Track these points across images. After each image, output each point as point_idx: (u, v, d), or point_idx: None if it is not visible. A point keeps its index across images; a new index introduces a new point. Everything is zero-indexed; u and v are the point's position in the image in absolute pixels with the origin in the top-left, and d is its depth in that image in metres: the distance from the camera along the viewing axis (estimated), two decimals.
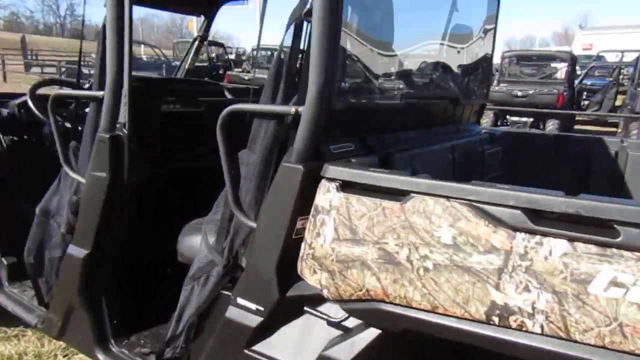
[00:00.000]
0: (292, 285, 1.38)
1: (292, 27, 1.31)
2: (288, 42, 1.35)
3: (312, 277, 1.29)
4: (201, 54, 4.43)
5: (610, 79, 12.77)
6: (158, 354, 1.72)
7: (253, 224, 1.41)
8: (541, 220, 0.99)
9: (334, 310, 1.32)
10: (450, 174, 1.82)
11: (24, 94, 2.33)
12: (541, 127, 9.79)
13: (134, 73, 1.73)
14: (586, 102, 12.76)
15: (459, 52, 2.15)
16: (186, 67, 3.05)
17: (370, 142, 1.53)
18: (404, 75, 1.90)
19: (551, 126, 9.64)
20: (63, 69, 18.02)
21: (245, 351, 1.44)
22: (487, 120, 9.42)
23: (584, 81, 12.17)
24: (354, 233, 1.19)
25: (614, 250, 0.92)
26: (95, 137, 1.75)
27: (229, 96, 2.50)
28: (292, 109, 1.31)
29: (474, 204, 1.06)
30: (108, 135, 1.70)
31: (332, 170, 1.25)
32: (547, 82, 10.11)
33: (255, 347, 1.44)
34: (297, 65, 1.38)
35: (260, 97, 1.40)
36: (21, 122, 2.37)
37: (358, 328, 1.29)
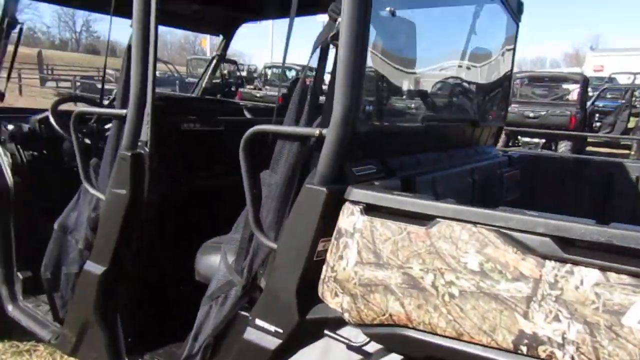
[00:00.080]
0: (312, 308, 1.36)
1: (317, 50, 1.32)
2: (313, 64, 1.36)
3: (333, 300, 1.27)
4: None
5: (623, 100, 12.74)
6: None
7: (273, 245, 1.40)
8: (571, 249, 0.98)
9: (354, 335, 1.30)
10: (470, 197, 1.81)
11: (45, 110, 2.37)
12: (553, 148, 9.76)
13: None
14: (598, 124, 12.73)
15: (478, 74, 2.16)
16: (203, 85, 3.09)
17: (391, 164, 1.52)
18: (425, 97, 1.91)
19: (563, 147, 9.62)
20: (78, 84, 18.32)
21: None
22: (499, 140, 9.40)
23: (595, 103, 12.15)
24: (377, 257, 1.18)
25: None
26: (117, 155, 1.76)
27: (248, 115, 2.52)
28: (317, 131, 1.31)
29: (502, 230, 1.05)
30: (130, 153, 1.71)
31: (356, 193, 1.24)
32: (559, 103, 10.11)
33: None
34: (322, 88, 1.38)
35: (284, 118, 1.41)
36: (41, 137, 2.40)
37: (379, 353, 1.27)
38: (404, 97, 1.81)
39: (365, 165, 1.42)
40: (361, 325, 1.24)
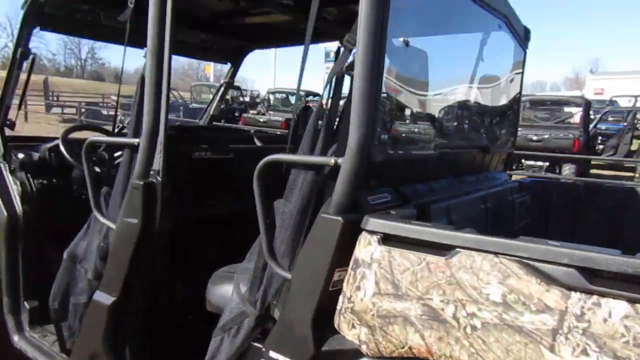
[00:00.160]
0: (328, 340, 1.33)
1: (333, 79, 1.33)
2: (327, 92, 1.36)
3: (350, 332, 1.25)
4: None
5: (625, 123, 12.79)
6: None
7: (288, 275, 1.38)
8: (597, 280, 0.96)
9: None
10: (483, 224, 1.79)
11: (55, 138, 2.38)
12: (557, 171, 9.76)
13: None
14: (601, 147, 12.75)
15: (488, 100, 2.17)
16: (211, 112, 3.11)
17: (404, 192, 1.51)
18: (437, 124, 1.91)
19: (567, 170, 9.62)
20: (83, 110, 18.49)
21: None
22: None
23: (597, 125, 12.20)
24: (396, 287, 1.16)
25: None
26: (128, 183, 1.76)
27: (258, 143, 2.53)
28: (332, 160, 1.30)
29: (524, 260, 1.03)
30: (142, 182, 1.71)
31: (373, 222, 1.23)
32: (562, 126, 10.14)
33: None
34: (337, 117, 1.39)
35: (299, 147, 1.41)
36: (51, 166, 2.40)
37: None
38: (417, 124, 1.82)
39: (380, 193, 1.41)
40: (379, 357, 1.22)
